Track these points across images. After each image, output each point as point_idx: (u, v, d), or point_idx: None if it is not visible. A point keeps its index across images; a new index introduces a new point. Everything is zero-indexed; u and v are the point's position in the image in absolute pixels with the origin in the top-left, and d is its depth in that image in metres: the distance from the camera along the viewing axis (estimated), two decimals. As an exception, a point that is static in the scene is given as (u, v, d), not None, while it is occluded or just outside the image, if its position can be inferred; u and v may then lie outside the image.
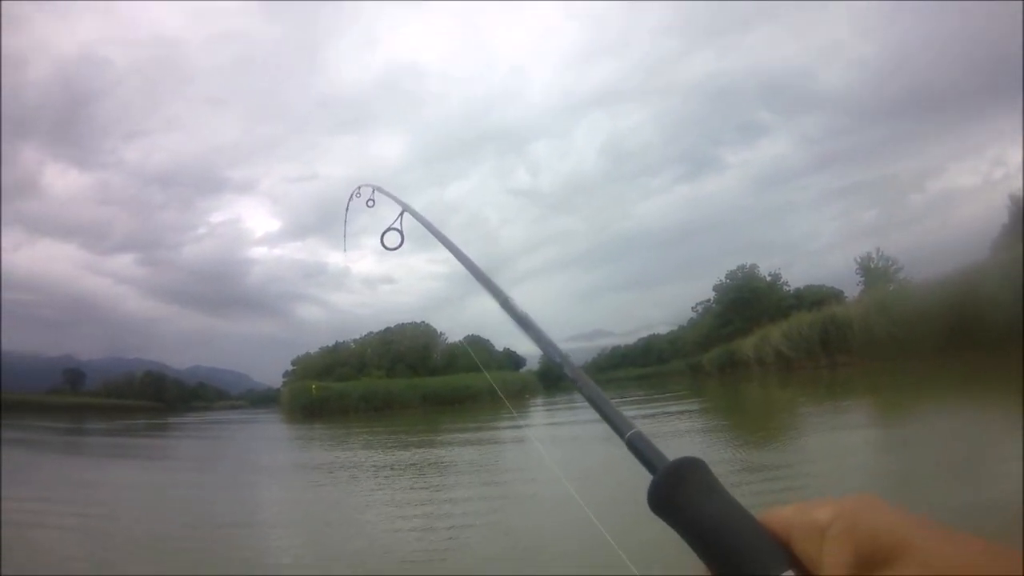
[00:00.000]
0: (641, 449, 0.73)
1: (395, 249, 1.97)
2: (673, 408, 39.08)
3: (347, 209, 3.03)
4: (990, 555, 0.61)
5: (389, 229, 1.95)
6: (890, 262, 77.34)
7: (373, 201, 2.56)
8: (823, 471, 13.90)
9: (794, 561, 0.59)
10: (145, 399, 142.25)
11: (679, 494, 0.64)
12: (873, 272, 77.27)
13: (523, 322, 1.14)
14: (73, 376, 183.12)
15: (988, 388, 24.67)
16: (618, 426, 0.78)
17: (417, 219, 1.88)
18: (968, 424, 17.40)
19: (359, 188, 2.71)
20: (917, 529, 0.62)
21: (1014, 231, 48.25)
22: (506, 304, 1.25)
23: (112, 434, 56.70)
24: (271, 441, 53.59)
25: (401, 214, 1.94)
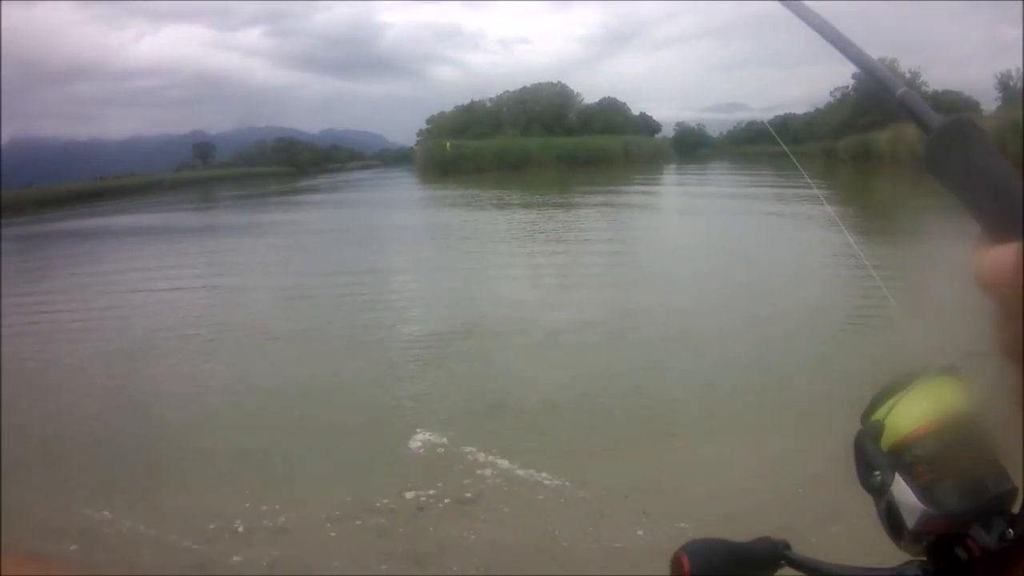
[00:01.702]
0: (913, 107, 0.69)
1: None
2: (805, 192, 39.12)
3: None
4: None
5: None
6: None
7: None
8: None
9: None
10: (277, 165, 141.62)
11: (954, 151, 0.61)
12: (1011, 91, 74.11)
13: None
14: (203, 150, 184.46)
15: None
16: (888, 86, 0.73)
17: None
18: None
19: None
20: None
21: None
22: None
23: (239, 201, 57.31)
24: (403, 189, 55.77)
25: None
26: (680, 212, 32.60)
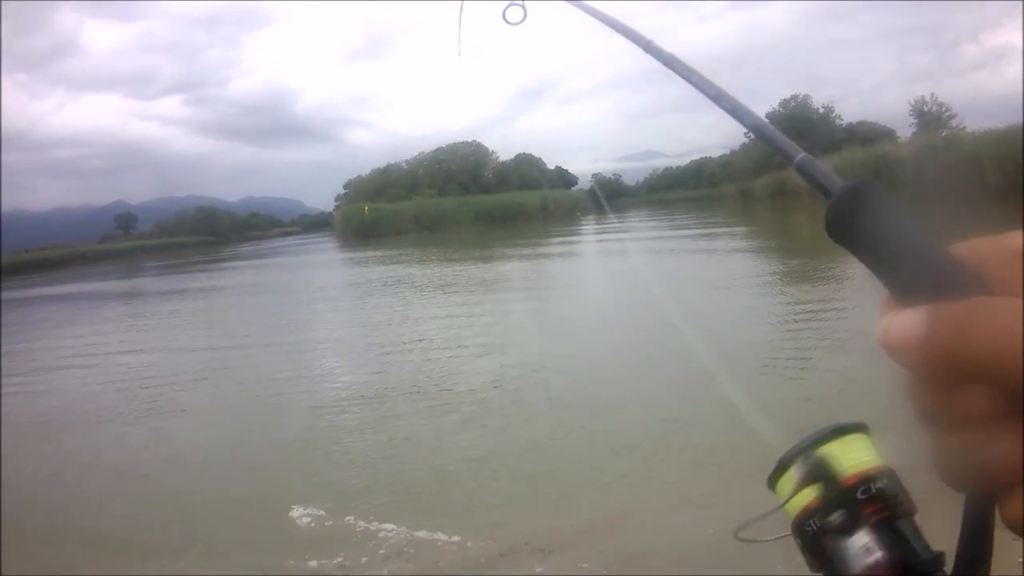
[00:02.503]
0: (812, 173, 0.69)
1: (519, 24, 1.85)
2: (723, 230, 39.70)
3: (461, 9, 2.54)
4: None
5: (511, 4, 1.82)
6: (944, 108, 77.80)
7: None
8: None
9: (988, 287, 0.52)
10: (198, 234, 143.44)
11: (859, 216, 0.59)
12: (926, 116, 77.23)
13: (670, 62, 1.04)
14: (125, 220, 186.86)
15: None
16: (786, 151, 0.74)
17: None
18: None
19: None
20: None
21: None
22: (649, 47, 1.15)
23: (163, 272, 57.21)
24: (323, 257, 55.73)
25: None
26: (593, 261, 33.35)
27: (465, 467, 7.93)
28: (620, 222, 58.57)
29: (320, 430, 9.80)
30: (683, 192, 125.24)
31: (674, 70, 1.05)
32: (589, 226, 62.51)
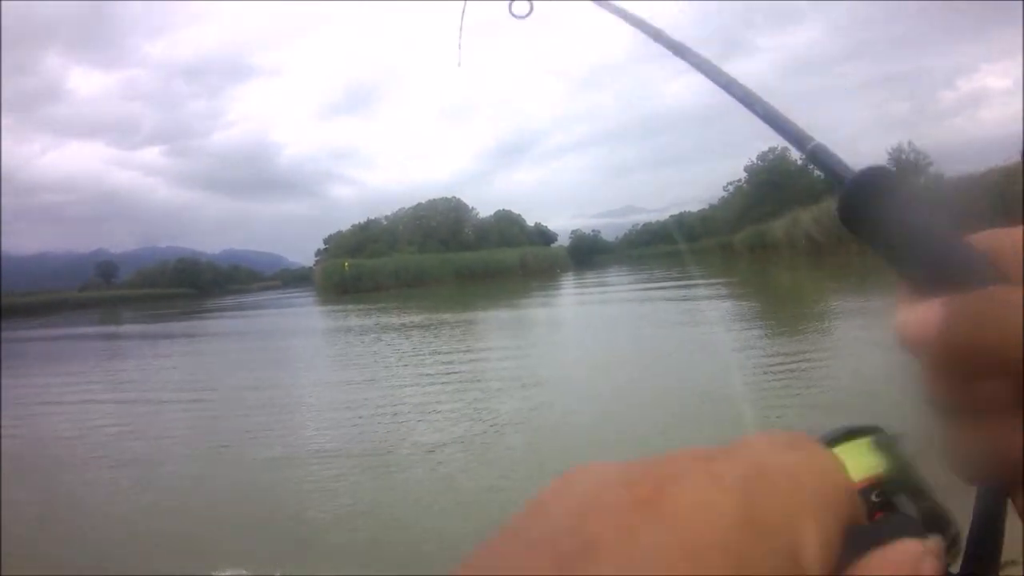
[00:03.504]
0: (824, 160, 0.67)
1: (525, 17, 1.85)
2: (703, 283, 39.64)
3: (463, 12, 2.59)
4: None
5: (519, -3, 1.87)
6: (921, 156, 77.44)
7: None
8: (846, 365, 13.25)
9: (1004, 277, 0.51)
10: (179, 286, 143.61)
11: (873, 204, 0.57)
12: (904, 163, 77.63)
13: (680, 50, 1.00)
14: (106, 269, 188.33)
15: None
16: (798, 139, 0.73)
17: None
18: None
19: None
20: None
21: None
22: (659, 36, 1.12)
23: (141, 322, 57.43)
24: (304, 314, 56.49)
25: None
26: (564, 319, 33.71)
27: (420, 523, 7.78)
28: (595, 280, 58.78)
29: (261, 488, 9.58)
30: (663, 247, 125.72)
31: (684, 59, 1.04)
32: (566, 283, 62.81)
